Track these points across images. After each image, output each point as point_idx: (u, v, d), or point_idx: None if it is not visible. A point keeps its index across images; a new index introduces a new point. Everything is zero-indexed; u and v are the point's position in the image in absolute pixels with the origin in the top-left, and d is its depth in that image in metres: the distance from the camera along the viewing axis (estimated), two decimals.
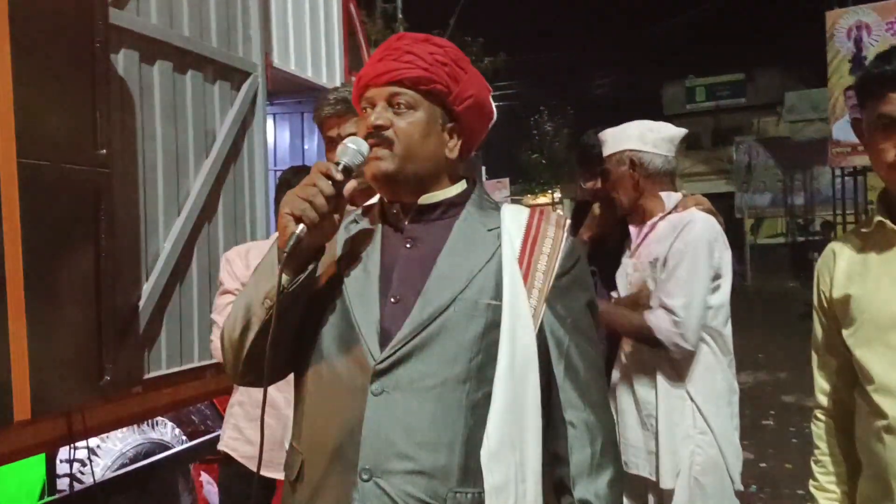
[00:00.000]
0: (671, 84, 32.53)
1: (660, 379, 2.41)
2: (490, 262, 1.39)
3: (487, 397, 1.33)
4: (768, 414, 6.52)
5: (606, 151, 2.62)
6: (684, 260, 2.35)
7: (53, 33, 2.41)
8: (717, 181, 27.44)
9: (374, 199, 1.55)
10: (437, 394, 1.32)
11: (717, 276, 2.41)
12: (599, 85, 30.65)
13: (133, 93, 2.90)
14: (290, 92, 4.50)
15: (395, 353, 1.33)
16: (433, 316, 1.34)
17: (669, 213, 2.51)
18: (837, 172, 17.08)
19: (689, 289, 2.34)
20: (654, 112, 30.67)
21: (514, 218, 1.45)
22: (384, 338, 1.35)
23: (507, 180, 21.89)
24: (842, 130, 14.45)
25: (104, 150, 2.55)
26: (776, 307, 12.80)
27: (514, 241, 1.42)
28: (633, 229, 2.63)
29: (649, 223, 2.54)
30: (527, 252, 1.41)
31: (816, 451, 1.81)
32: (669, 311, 2.32)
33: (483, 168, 20.18)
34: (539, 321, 1.38)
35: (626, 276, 2.60)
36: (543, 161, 32.28)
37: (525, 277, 1.39)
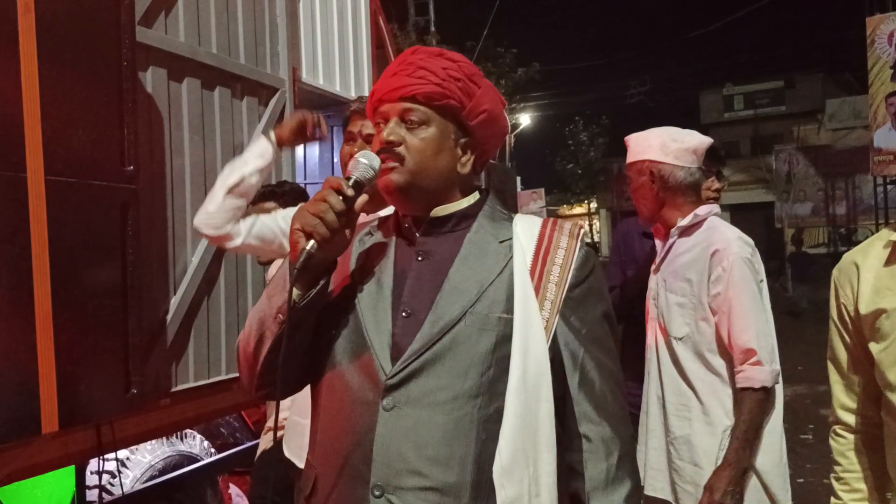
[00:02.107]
0: (709, 92, 32.21)
1: (695, 405, 2.36)
2: (502, 275, 1.38)
3: (500, 412, 1.31)
4: (807, 428, 6.39)
5: (629, 158, 2.55)
6: (734, 288, 2.29)
7: (81, 52, 2.46)
8: (756, 190, 27.08)
9: (388, 211, 1.54)
10: (449, 409, 1.30)
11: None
12: (635, 93, 30.42)
13: (161, 110, 2.95)
14: (318, 106, 4.52)
15: (405, 367, 1.32)
16: (444, 330, 1.33)
17: (689, 227, 2.45)
18: (879, 181, 16.73)
19: (753, 317, 2.29)
20: (692, 121, 30.41)
21: (526, 229, 1.44)
22: (396, 352, 1.34)
23: (542, 191, 21.79)
24: (883, 138, 14.20)
25: (131, 167, 2.59)
26: (817, 318, 12.53)
27: (526, 253, 1.40)
28: (658, 243, 2.58)
29: (669, 240, 2.49)
30: (539, 263, 1.39)
31: (837, 469, 1.74)
32: (748, 356, 2.27)
33: (518, 178, 20.13)
34: (552, 333, 1.36)
35: (651, 291, 2.54)
36: (579, 171, 32.12)
37: (537, 289, 1.37)
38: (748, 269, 2.32)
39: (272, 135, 2.33)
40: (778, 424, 2.40)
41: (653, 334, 2.50)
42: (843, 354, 1.72)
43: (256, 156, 2.30)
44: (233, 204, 2.25)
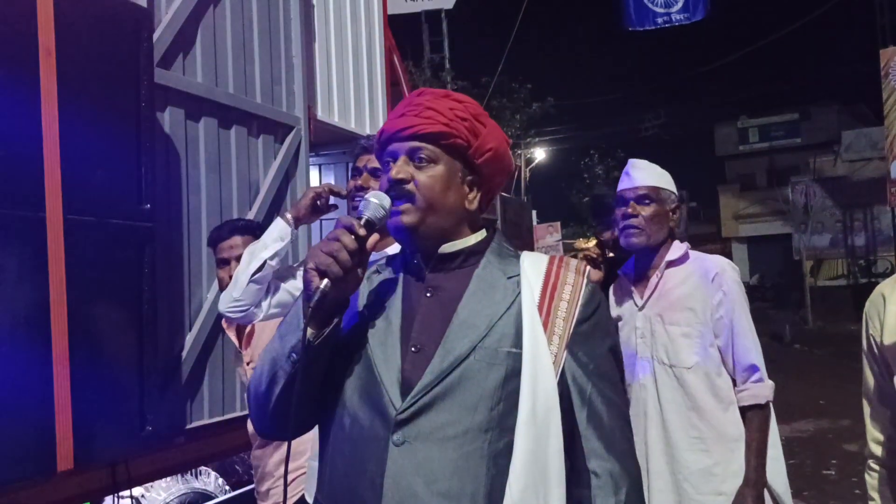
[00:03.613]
0: (724, 125, 32.23)
1: (709, 435, 2.37)
2: (510, 310, 1.39)
3: (509, 446, 1.31)
4: (830, 463, 6.27)
5: (651, 181, 2.50)
6: (736, 310, 2.40)
7: (100, 93, 2.51)
8: (773, 222, 26.97)
9: (395, 249, 1.56)
10: (459, 443, 1.31)
11: None
12: (650, 127, 30.48)
13: (179, 149, 3.00)
14: (334, 143, 4.59)
15: (415, 402, 1.33)
16: (454, 365, 1.34)
17: (675, 261, 2.48)
18: None
19: (752, 337, 2.41)
20: (707, 153, 30.44)
21: (533, 265, 1.45)
22: (405, 387, 1.35)
23: (558, 224, 21.81)
24: None
25: (148, 205, 2.63)
26: (838, 351, 12.35)
27: (534, 288, 1.41)
28: (634, 288, 2.56)
29: (656, 275, 2.49)
30: (546, 299, 1.40)
31: (871, 503, 1.74)
32: (751, 374, 2.37)
33: (534, 212, 20.17)
34: (560, 368, 1.37)
35: (637, 330, 2.51)
36: None
37: (545, 324, 1.38)
38: (742, 290, 2.44)
39: (288, 216, 2.36)
40: (776, 438, 2.46)
41: (648, 372, 2.47)
42: (874, 388, 1.72)
43: (275, 239, 2.32)
44: (255, 288, 2.29)
